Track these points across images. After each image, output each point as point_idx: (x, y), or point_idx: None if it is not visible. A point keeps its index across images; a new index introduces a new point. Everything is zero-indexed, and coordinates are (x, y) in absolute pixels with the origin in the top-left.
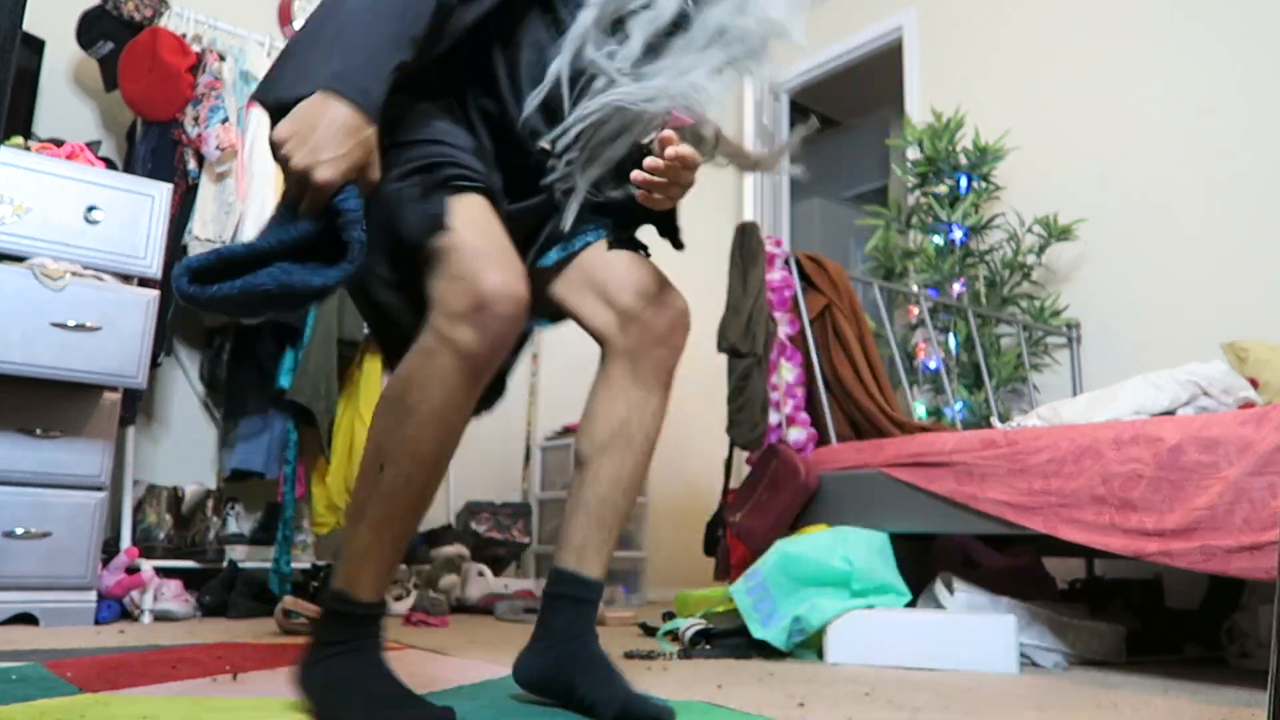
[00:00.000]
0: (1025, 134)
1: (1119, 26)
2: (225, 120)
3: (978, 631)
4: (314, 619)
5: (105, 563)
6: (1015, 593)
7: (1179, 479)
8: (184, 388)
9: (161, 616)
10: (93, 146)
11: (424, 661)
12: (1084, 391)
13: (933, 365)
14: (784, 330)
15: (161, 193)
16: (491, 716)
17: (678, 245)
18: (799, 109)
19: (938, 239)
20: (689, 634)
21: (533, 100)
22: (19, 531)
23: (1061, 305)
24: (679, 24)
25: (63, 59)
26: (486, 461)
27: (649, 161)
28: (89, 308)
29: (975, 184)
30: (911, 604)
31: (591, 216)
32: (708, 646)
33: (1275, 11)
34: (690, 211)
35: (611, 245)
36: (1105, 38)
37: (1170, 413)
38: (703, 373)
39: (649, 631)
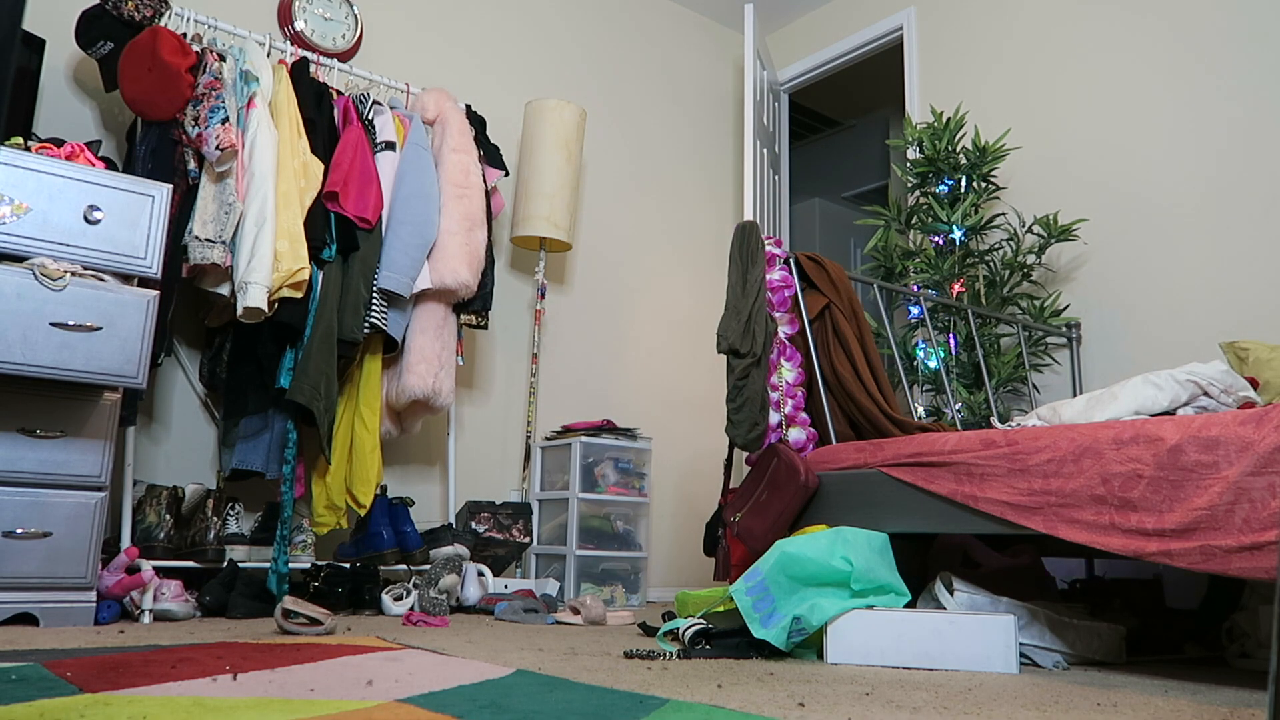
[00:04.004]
0: (1025, 134)
1: (1119, 27)
2: (225, 120)
3: (978, 631)
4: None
5: (105, 563)
6: (1015, 593)
7: (1179, 479)
8: (184, 388)
9: (161, 616)
10: (93, 146)
11: (424, 661)
12: (1084, 391)
13: (933, 365)
14: (784, 330)
15: (161, 193)
16: (491, 716)
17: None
18: (799, 109)
19: (938, 239)
20: (689, 634)
21: None
22: (19, 531)
23: (1061, 305)
24: None
25: (63, 59)
26: (486, 461)
27: None
28: (89, 308)
29: (975, 184)
30: (911, 604)
31: None
32: (707, 646)
33: (1274, 14)
34: (690, 211)
35: None
36: (1105, 38)
37: (1170, 413)
38: (703, 373)
39: (649, 631)
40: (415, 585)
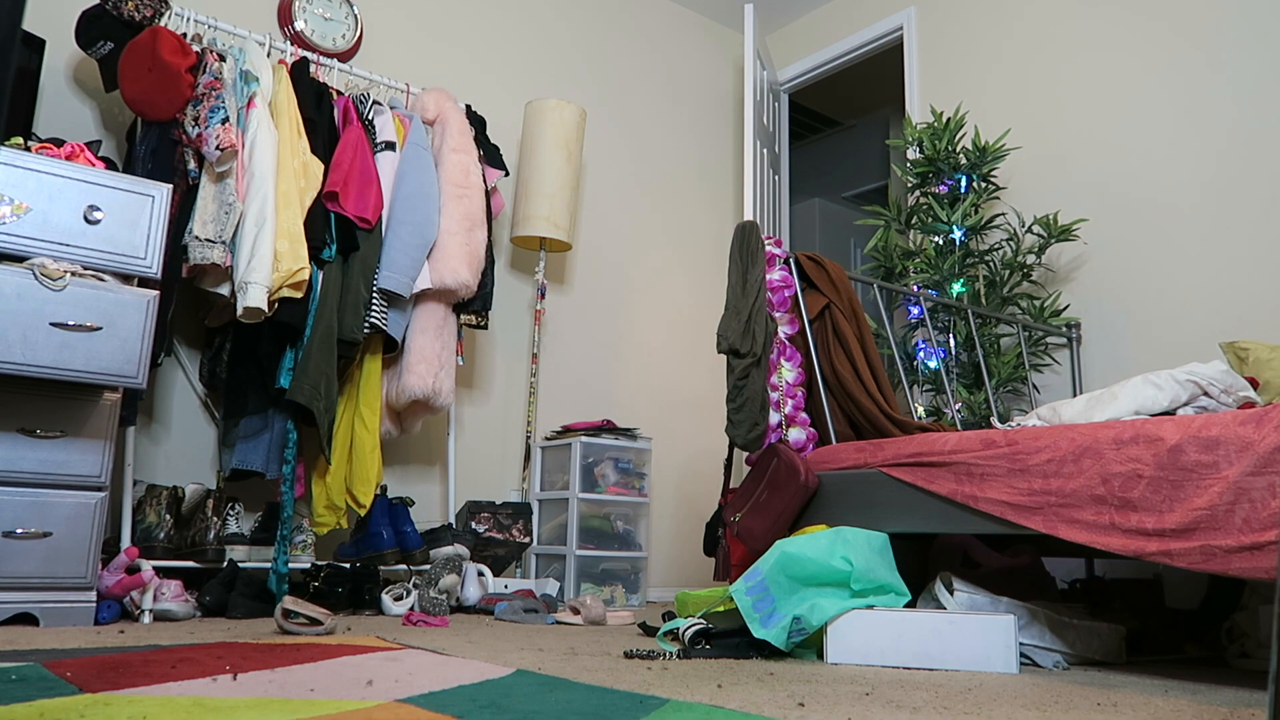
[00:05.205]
0: (1025, 134)
1: (1119, 27)
2: (225, 120)
3: (978, 631)
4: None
5: (105, 563)
6: (1015, 593)
7: (1179, 479)
8: (184, 388)
9: (161, 616)
10: (93, 146)
11: (424, 661)
12: (1084, 391)
13: (933, 365)
14: (784, 330)
15: (161, 193)
16: (491, 716)
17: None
18: (799, 109)
19: (938, 239)
20: (689, 634)
21: None
22: (19, 531)
23: (1061, 305)
24: None
25: (63, 59)
26: (486, 461)
27: None
28: (89, 308)
29: (975, 184)
30: (911, 604)
31: None
32: (707, 646)
33: (1274, 14)
34: (690, 211)
35: None
36: (1105, 38)
37: (1170, 413)
38: (703, 373)
39: (649, 631)
40: (415, 585)
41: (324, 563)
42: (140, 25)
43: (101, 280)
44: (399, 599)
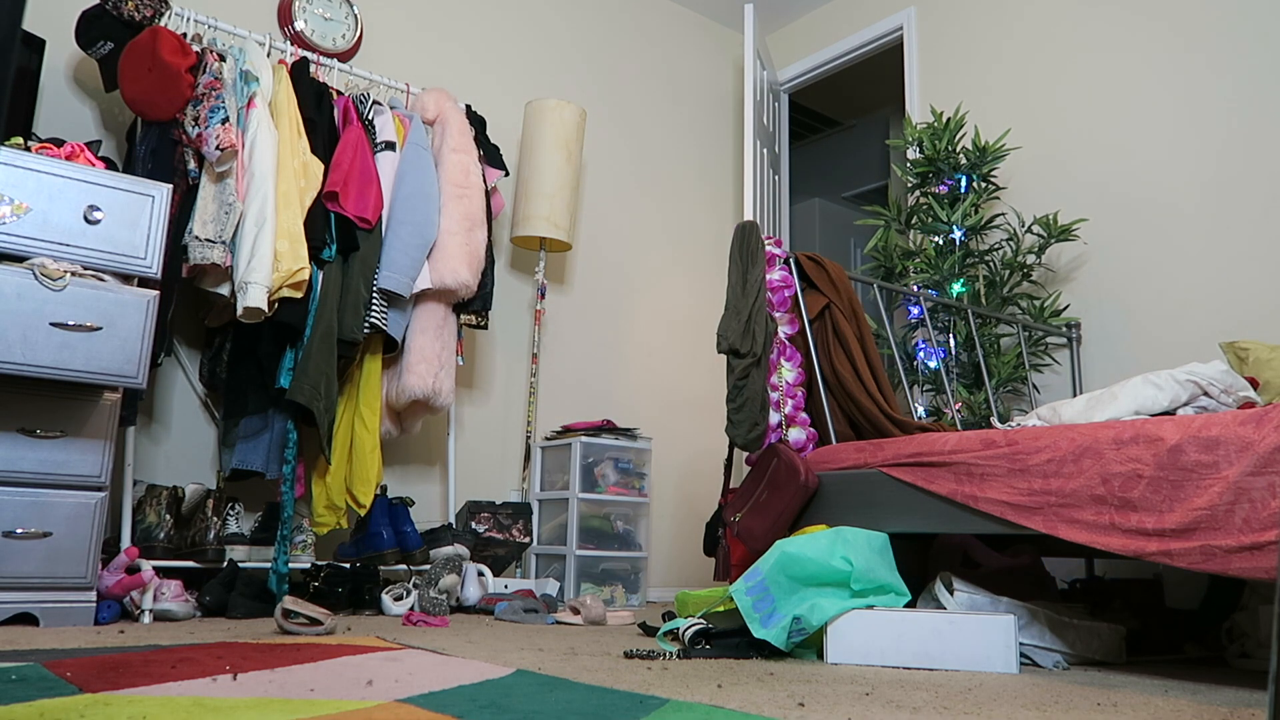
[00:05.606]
0: (1025, 134)
1: (1119, 27)
2: (225, 120)
3: (978, 631)
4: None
5: (105, 563)
6: (1015, 593)
7: (1179, 479)
8: (184, 388)
9: (161, 616)
10: (93, 146)
11: (424, 661)
12: (1084, 391)
13: (933, 365)
14: (784, 330)
15: (161, 193)
16: (491, 716)
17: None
18: (799, 109)
19: (938, 239)
20: (689, 634)
21: None
22: (19, 531)
23: (1061, 305)
24: None
25: (63, 59)
26: (486, 461)
27: None
28: (89, 308)
29: (975, 184)
30: (911, 604)
31: None
32: (707, 646)
33: (1274, 14)
34: (690, 211)
35: None
36: (1105, 38)
37: (1170, 413)
38: (703, 373)
39: (649, 631)
40: (415, 585)
41: (324, 563)
42: (140, 25)
43: (101, 280)
44: (399, 599)
